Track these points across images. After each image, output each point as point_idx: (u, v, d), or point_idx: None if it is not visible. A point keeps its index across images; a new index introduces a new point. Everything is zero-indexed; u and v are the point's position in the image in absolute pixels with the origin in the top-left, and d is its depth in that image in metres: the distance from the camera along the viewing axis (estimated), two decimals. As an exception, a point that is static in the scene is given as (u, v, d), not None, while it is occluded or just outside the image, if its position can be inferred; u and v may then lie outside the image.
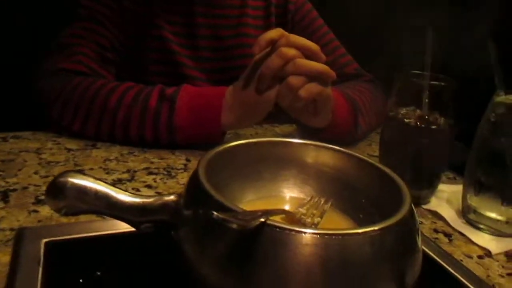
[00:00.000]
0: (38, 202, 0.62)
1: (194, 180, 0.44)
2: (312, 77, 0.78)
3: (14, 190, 0.64)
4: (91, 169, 0.73)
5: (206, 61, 1.03)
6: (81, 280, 0.50)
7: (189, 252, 0.42)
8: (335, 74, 0.79)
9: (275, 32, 0.78)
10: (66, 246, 0.53)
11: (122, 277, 0.50)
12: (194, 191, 0.44)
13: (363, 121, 0.92)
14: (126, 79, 0.89)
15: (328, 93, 0.80)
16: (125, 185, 0.69)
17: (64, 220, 0.58)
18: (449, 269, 0.55)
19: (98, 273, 0.51)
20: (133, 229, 0.49)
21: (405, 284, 0.42)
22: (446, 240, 0.64)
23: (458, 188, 0.72)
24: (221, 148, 0.50)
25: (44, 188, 0.65)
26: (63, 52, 0.93)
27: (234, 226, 0.36)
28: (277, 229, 0.37)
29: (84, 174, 0.46)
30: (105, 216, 0.47)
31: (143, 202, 0.46)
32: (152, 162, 0.78)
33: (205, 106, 0.82)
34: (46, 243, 0.52)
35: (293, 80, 0.77)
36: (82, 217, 0.59)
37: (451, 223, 0.67)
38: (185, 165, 0.78)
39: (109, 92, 0.83)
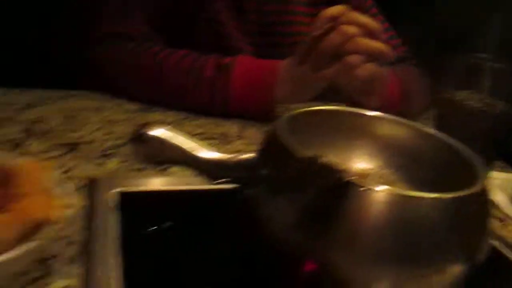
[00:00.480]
0: (105, 156, 0.64)
1: (273, 138, 0.46)
2: (371, 56, 0.78)
3: (81, 143, 0.67)
4: (150, 130, 0.75)
5: (253, 35, 1.04)
6: (150, 228, 0.52)
7: (265, 210, 0.44)
8: (393, 54, 0.79)
9: (336, 9, 0.78)
10: (138, 197, 0.55)
11: (190, 231, 0.52)
12: (274, 149, 0.45)
13: (414, 103, 0.92)
14: (174, 43, 0.91)
15: (386, 74, 0.81)
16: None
17: (131, 173, 0.61)
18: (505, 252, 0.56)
19: (168, 224, 0.53)
20: (202, 187, 0.52)
21: (472, 260, 0.42)
22: (499, 224, 0.64)
23: (510, 176, 0.72)
24: (297, 112, 0.51)
25: (109, 143, 0.68)
26: (115, 16, 0.95)
27: (326, 181, 0.37)
28: (360, 188, 0.38)
29: (167, 127, 0.48)
30: (184, 167, 0.48)
31: (221, 158, 0.48)
32: (207, 128, 0.80)
33: (260, 78, 0.83)
34: (118, 193, 0.54)
35: (352, 58, 0.77)
36: (151, 172, 0.61)
37: (504, 209, 0.67)
38: (240, 133, 0.80)
39: (165, 58, 0.85)
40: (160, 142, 0.47)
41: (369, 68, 0.78)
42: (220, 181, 0.48)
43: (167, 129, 0.47)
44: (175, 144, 0.46)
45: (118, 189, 0.54)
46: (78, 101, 0.83)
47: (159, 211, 0.53)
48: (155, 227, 0.51)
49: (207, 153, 0.47)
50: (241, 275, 0.48)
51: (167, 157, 0.47)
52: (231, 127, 0.82)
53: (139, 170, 0.62)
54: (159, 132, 0.47)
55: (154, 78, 0.84)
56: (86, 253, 0.44)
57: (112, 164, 0.62)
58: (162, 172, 0.62)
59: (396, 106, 0.89)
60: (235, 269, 0.49)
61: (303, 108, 0.52)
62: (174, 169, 0.62)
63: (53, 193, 0.37)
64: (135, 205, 0.53)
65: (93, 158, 0.63)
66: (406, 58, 1.07)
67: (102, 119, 0.76)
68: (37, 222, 0.33)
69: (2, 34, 0.97)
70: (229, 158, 0.47)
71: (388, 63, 0.81)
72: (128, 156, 0.65)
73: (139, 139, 0.46)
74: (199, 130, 0.78)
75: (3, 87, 0.82)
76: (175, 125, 0.78)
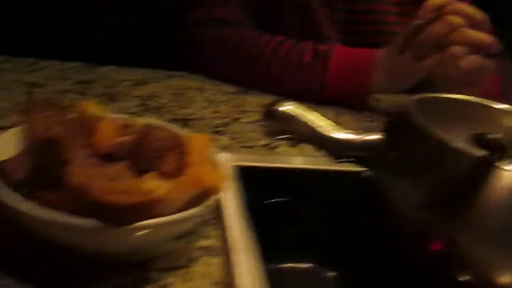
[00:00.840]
0: (216, 132, 0.68)
1: (403, 120, 0.47)
2: (475, 48, 0.77)
3: (192, 119, 0.71)
4: (253, 111, 0.78)
5: (341, 23, 1.04)
6: (265, 202, 0.55)
7: (393, 191, 0.45)
8: (498, 46, 0.78)
9: None
10: (257, 172, 0.59)
11: (309, 207, 0.55)
12: (405, 130, 0.46)
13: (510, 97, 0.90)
14: (263, 29, 0.93)
15: (489, 66, 0.79)
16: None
17: (242, 150, 0.64)
18: None
19: (287, 198, 0.56)
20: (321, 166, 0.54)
21: None
22: None
23: None
24: (424, 96, 0.52)
25: (218, 121, 0.72)
26: (214, 1, 0.98)
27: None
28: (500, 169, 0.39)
29: (296, 104, 0.50)
30: (308, 144, 0.51)
31: (347, 138, 0.49)
32: (303, 113, 0.82)
33: (357, 66, 0.84)
34: (236, 166, 0.58)
35: (456, 49, 0.76)
36: (260, 150, 0.65)
37: None
38: (335, 118, 0.81)
39: (264, 45, 0.88)
40: (290, 118, 0.49)
41: (473, 60, 0.77)
42: (343, 160, 0.50)
43: (297, 106, 0.50)
44: (304, 121, 0.49)
45: (239, 163, 0.58)
46: (182, 81, 0.87)
47: (278, 187, 0.56)
48: (275, 199, 0.54)
49: (334, 132, 0.49)
50: (363, 254, 0.50)
51: (297, 133, 0.49)
52: (326, 113, 0.83)
53: (249, 147, 0.65)
54: (289, 108, 0.49)
55: (253, 62, 0.88)
56: (219, 217, 0.48)
57: (224, 140, 0.66)
58: (273, 149, 0.65)
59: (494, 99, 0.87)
60: (357, 249, 0.52)
61: (429, 94, 0.53)
62: (283, 148, 0.65)
63: (216, 165, 0.40)
64: (255, 180, 0.56)
65: (207, 133, 0.67)
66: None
67: (205, 98, 0.80)
68: (207, 189, 0.36)
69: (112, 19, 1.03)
70: (355, 138, 0.49)
71: (491, 55, 0.79)
72: (237, 133, 0.69)
73: (271, 114, 0.49)
74: (297, 114, 0.80)
75: (113, 64, 0.88)
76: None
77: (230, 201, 0.52)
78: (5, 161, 0.36)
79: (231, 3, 0.97)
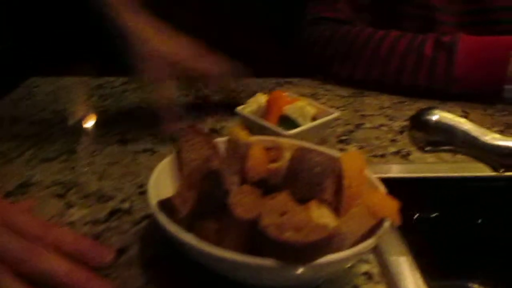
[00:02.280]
0: (342, 142, 0.65)
1: None
2: None
3: (314, 129, 0.69)
4: (372, 115, 0.74)
5: (458, 3, 0.95)
6: (416, 216, 0.52)
7: None
8: None
9: None
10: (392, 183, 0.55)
11: (459, 221, 0.51)
12: None
13: None
14: (377, 25, 0.88)
15: None
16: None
17: (374, 160, 0.61)
18: None
19: (435, 214, 0.52)
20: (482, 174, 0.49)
21: None
22: None
23: None
24: None
25: (340, 129, 0.69)
26: (325, 1, 0.95)
27: None
28: None
29: (445, 112, 0.46)
30: (463, 155, 0.46)
31: (510, 145, 0.44)
32: (428, 112, 0.76)
33: (489, 56, 0.77)
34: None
35: None
36: (394, 158, 0.61)
37: None
38: (465, 116, 0.75)
39: (380, 41, 0.83)
40: (444, 128, 0.44)
41: None
42: (507, 169, 0.45)
43: (448, 115, 0.45)
44: (462, 130, 0.44)
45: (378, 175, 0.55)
46: (295, 88, 0.85)
47: (427, 199, 0.52)
48: (425, 215, 0.51)
49: (498, 140, 0.44)
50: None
51: (450, 144, 0.45)
52: (454, 110, 0.77)
53: (381, 156, 0.62)
54: (442, 117, 0.45)
55: (371, 58, 0.83)
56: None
57: (352, 150, 0.63)
58: (406, 157, 0.61)
59: None
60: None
61: None
62: (416, 154, 0.61)
63: (382, 188, 0.38)
64: (400, 193, 0.53)
65: (333, 143, 0.64)
66: None
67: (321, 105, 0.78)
68: (382, 219, 0.33)
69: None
70: (523, 146, 0.43)
71: None
72: (363, 141, 0.65)
73: (422, 125, 0.45)
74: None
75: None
76: (395, 109, 0.77)
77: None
78: (172, 198, 0.36)
79: (340, 2, 0.93)
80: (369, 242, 0.33)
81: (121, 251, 0.43)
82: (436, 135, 0.45)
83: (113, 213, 0.48)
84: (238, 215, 0.35)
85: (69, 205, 0.50)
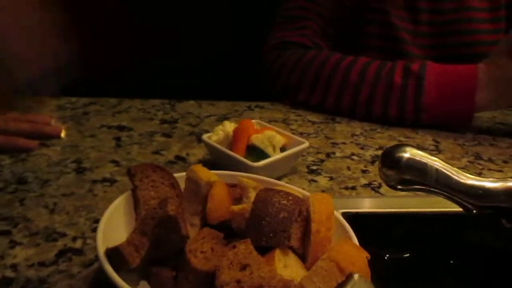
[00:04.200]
0: (312, 172, 0.63)
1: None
2: None
3: (284, 157, 0.66)
4: (343, 143, 0.73)
5: (424, 36, 0.96)
6: (386, 257, 0.50)
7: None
8: None
9: None
10: (363, 219, 0.53)
11: (431, 260, 0.49)
12: None
13: None
14: (344, 54, 0.87)
15: None
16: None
17: (345, 192, 0.59)
18: None
19: (406, 255, 0.50)
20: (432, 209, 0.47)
21: None
22: None
23: None
24: None
25: (311, 158, 0.67)
26: (289, 25, 0.94)
27: None
28: None
29: (420, 150, 0.44)
30: (434, 195, 0.45)
31: (485, 185, 0.43)
32: (399, 140, 0.75)
33: (457, 84, 0.77)
34: (345, 214, 0.52)
35: None
36: (365, 191, 0.59)
37: None
38: (436, 146, 0.74)
39: (349, 67, 0.82)
40: (417, 167, 0.43)
41: None
42: (481, 211, 0.43)
43: (420, 152, 0.44)
44: (435, 168, 0.42)
45: (343, 210, 0.52)
46: (265, 112, 0.83)
47: (396, 235, 0.50)
48: (397, 255, 0.48)
49: (471, 180, 0.42)
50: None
51: (422, 184, 0.43)
52: (424, 139, 0.76)
53: (351, 188, 0.60)
54: (414, 155, 0.43)
55: (340, 85, 0.82)
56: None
57: (323, 181, 0.61)
58: (377, 189, 0.59)
59: None
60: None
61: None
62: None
63: (351, 235, 0.35)
64: (370, 228, 0.51)
65: (303, 173, 0.62)
66: None
67: (293, 131, 0.75)
68: (348, 274, 0.31)
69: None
70: (497, 186, 0.42)
71: None
72: (334, 172, 0.63)
73: (394, 163, 0.43)
74: (392, 142, 0.74)
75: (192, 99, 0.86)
76: (366, 137, 0.75)
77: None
78: (121, 247, 0.33)
79: (307, 28, 0.92)
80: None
81: (67, 299, 0.39)
82: (408, 174, 0.43)
83: (62, 253, 0.44)
84: (195, 266, 0.32)
85: (14, 244, 0.45)
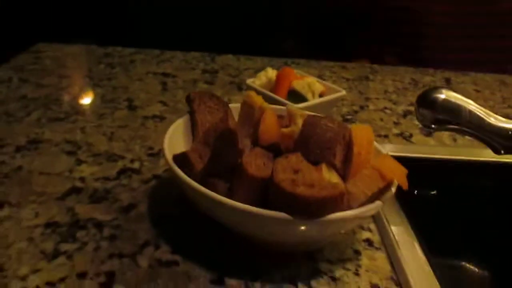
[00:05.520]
0: (346, 120, 0.67)
1: None
2: None
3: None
4: (376, 98, 0.76)
5: None
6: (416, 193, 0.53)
7: None
8: None
9: None
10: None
11: (455, 200, 0.52)
12: None
13: None
14: None
15: None
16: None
17: (378, 139, 0.62)
18: None
19: (433, 192, 0.53)
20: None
21: None
22: None
23: None
24: None
25: (345, 109, 0.70)
26: None
27: None
28: None
29: (453, 92, 0.47)
30: (466, 135, 0.48)
31: (514, 127, 0.45)
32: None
33: None
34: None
35: None
36: (396, 139, 0.62)
37: None
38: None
39: None
40: (452, 107, 0.46)
41: None
42: (505, 153, 0.46)
43: (456, 94, 0.46)
44: (469, 110, 0.45)
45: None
46: (302, 68, 0.86)
47: (430, 178, 0.53)
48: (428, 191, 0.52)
49: (502, 122, 0.45)
50: None
51: (456, 124, 0.46)
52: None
53: (384, 136, 0.63)
54: (450, 96, 0.46)
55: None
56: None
57: (356, 129, 0.64)
58: (408, 138, 0.62)
59: None
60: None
61: None
62: (418, 137, 0.62)
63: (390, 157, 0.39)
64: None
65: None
66: None
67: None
68: (389, 183, 0.35)
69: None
70: (527, 128, 0.45)
71: None
72: (367, 122, 0.67)
73: (430, 103, 0.46)
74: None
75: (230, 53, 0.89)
76: (398, 94, 0.78)
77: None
78: (188, 152, 0.37)
79: None
80: (377, 204, 0.34)
81: (131, 207, 0.44)
82: (443, 114, 0.47)
83: (123, 171, 0.49)
84: (251, 173, 0.36)
85: (80, 162, 0.51)
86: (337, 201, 0.32)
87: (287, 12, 1.17)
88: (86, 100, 0.66)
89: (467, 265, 0.53)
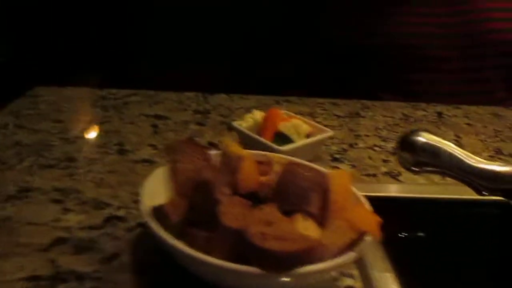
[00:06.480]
0: (335, 160, 0.67)
1: None
2: None
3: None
4: (367, 135, 0.76)
5: None
6: (402, 235, 0.53)
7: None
8: None
9: None
10: (382, 202, 0.57)
11: (444, 242, 0.52)
12: None
13: None
14: None
15: None
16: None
17: (366, 179, 0.62)
18: None
19: (421, 234, 0.53)
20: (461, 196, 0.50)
21: None
22: None
23: None
24: None
25: (334, 148, 0.71)
26: None
27: None
28: None
29: (434, 134, 0.48)
30: (448, 177, 0.48)
31: (495, 169, 0.46)
32: (421, 135, 0.78)
33: None
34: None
35: None
36: (384, 178, 0.62)
37: None
38: (457, 140, 0.76)
39: None
40: (431, 149, 0.46)
41: None
42: (489, 193, 0.46)
43: (435, 137, 0.47)
44: (449, 152, 0.46)
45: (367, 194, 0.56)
46: (293, 106, 0.88)
47: (413, 219, 0.53)
48: (411, 233, 0.52)
49: (481, 164, 0.45)
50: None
51: (437, 166, 0.47)
52: (447, 134, 0.79)
53: (372, 175, 0.63)
54: (429, 138, 0.47)
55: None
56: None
57: (345, 168, 0.65)
58: (396, 177, 0.62)
59: None
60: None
61: None
62: (407, 175, 0.62)
63: (366, 205, 0.39)
64: (388, 211, 0.54)
65: (326, 160, 0.66)
66: None
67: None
68: (362, 233, 0.35)
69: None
70: (505, 170, 0.45)
71: None
72: (356, 160, 0.67)
73: (409, 146, 0.47)
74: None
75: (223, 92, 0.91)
76: (389, 130, 0.79)
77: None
78: (164, 205, 0.38)
79: None
80: (350, 255, 0.34)
81: (114, 256, 0.44)
82: (423, 156, 0.47)
83: (108, 219, 0.50)
84: (226, 223, 0.36)
85: (67, 210, 0.51)
86: (308, 254, 0.32)
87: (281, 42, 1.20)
88: (78, 145, 0.67)
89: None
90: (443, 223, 0.54)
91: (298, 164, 0.41)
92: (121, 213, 0.51)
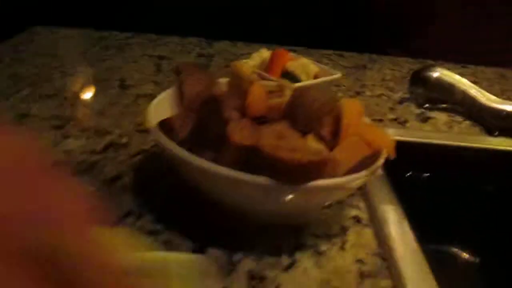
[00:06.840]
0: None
1: None
2: None
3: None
4: (373, 85, 0.75)
5: None
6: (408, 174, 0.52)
7: None
8: None
9: None
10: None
11: (448, 182, 0.51)
12: None
13: None
14: None
15: None
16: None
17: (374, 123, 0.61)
18: None
19: (426, 174, 0.52)
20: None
21: None
22: None
23: None
24: None
25: (344, 95, 0.69)
26: None
27: None
28: None
29: (447, 70, 0.46)
30: (459, 115, 0.47)
31: (508, 109, 0.45)
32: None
33: None
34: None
35: None
36: (392, 124, 0.61)
37: None
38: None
39: None
40: (444, 85, 0.45)
41: None
42: (499, 133, 0.46)
43: (449, 73, 0.46)
44: (462, 89, 0.45)
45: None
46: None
47: (423, 162, 0.53)
48: (425, 174, 0.51)
49: (494, 102, 0.44)
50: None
51: (449, 102, 0.46)
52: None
53: (379, 120, 0.62)
54: (442, 74, 0.45)
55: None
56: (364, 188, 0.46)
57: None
58: (403, 124, 0.61)
59: None
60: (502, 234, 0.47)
61: None
62: (413, 122, 0.61)
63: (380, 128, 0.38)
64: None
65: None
66: None
67: (323, 72, 0.78)
68: (375, 151, 0.34)
69: None
70: (519, 108, 0.44)
71: None
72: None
73: (422, 81, 0.46)
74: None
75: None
76: (395, 82, 0.77)
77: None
78: (172, 118, 0.36)
79: None
80: (363, 173, 0.33)
81: (116, 178, 0.43)
82: (435, 92, 0.46)
83: (110, 145, 0.49)
84: (235, 140, 0.35)
85: (66, 136, 0.50)
86: (320, 168, 0.31)
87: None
88: (78, 79, 0.66)
89: (455, 250, 0.52)
90: (448, 166, 0.54)
91: (310, 87, 0.39)
92: (123, 140, 0.50)
